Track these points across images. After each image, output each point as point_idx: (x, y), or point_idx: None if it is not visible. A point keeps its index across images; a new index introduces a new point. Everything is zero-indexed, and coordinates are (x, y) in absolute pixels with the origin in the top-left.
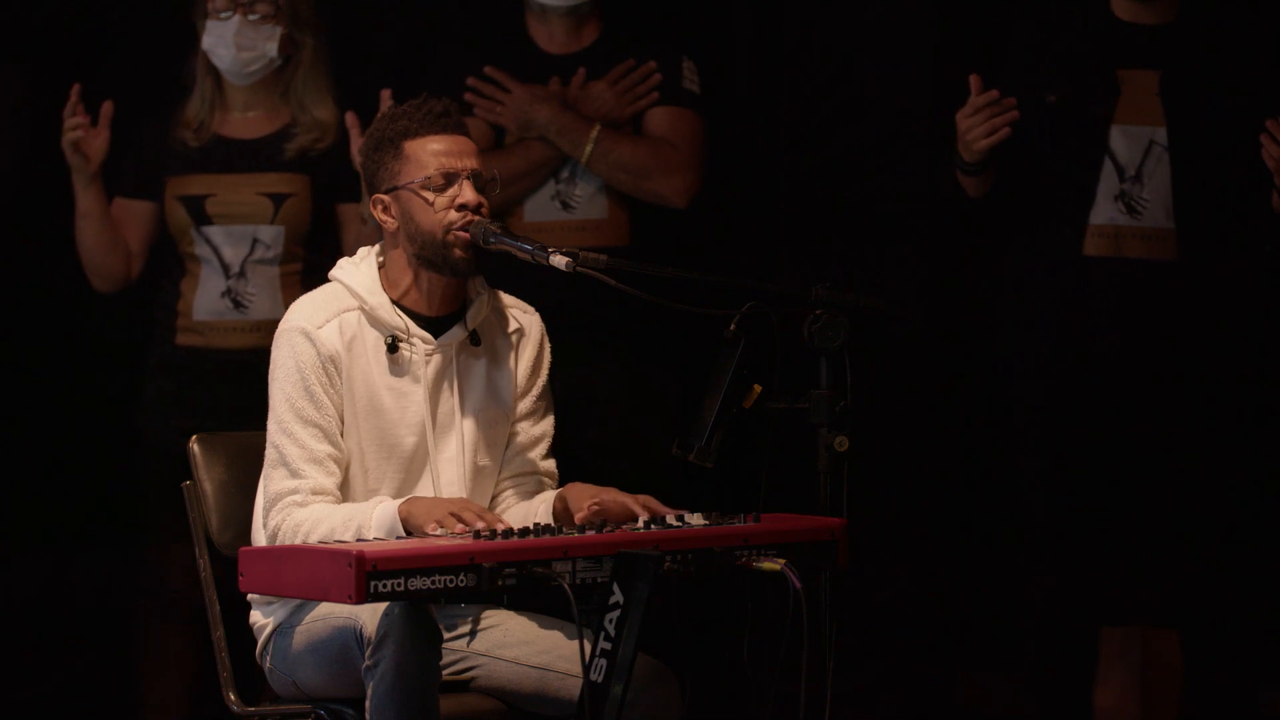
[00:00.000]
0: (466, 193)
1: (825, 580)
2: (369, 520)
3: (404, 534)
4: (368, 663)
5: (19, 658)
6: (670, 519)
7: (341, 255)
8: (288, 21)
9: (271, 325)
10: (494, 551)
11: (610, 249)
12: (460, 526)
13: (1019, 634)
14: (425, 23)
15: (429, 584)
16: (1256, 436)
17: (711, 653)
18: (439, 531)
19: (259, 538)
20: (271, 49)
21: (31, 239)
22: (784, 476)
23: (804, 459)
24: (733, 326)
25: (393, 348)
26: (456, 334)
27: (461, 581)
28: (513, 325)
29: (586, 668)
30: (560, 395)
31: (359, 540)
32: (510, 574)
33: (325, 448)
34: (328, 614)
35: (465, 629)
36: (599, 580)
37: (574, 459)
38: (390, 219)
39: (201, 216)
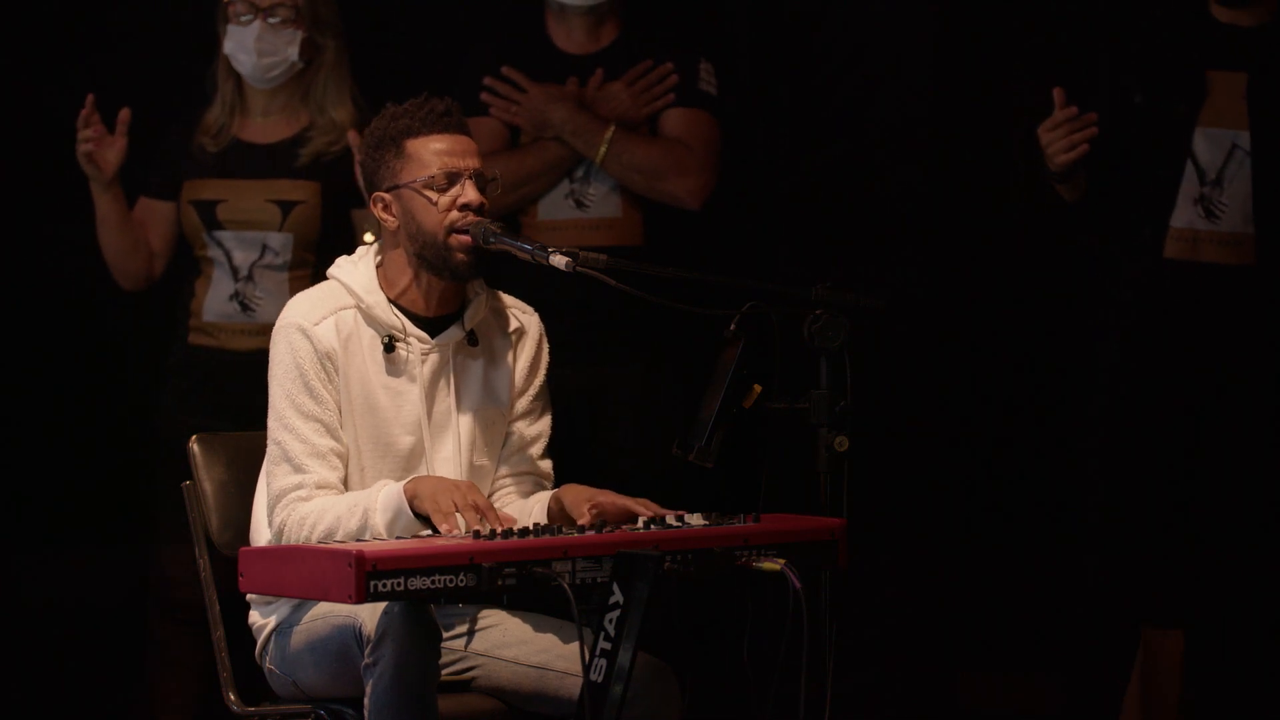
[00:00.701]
0: (469, 192)
1: (825, 580)
2: (374, 504)
3: (411, 514)
4: (367, 661)
5: (27, 656)
6: (670, 519)
7: None
8: (308, 25)
9: None
10: (494, 551)
11: (624, 248)
12: (472, 516)
13: (1014, 634)
14: (445, 24)
15: (429, 584)
16: None
17: (711, 653)
18: (450, 530)
19: (262, 535)
20: (293, 53)
21: (57, 237)
22: (784, 476)
23: (804, 459)
24: (733, 326)
25: (389, 347)
26: (453, 334)
27: (461, 581)
28: (512, 325)
29: (586, 668)
30: (571, 394)
31: (366, 526)
32: (510, 574)
33: (327, 442)
34: (327, 613)
35: (464, 628)
36: (599, 580)
37: (584, 459)
38: (391, 217)
39: (213, 222)
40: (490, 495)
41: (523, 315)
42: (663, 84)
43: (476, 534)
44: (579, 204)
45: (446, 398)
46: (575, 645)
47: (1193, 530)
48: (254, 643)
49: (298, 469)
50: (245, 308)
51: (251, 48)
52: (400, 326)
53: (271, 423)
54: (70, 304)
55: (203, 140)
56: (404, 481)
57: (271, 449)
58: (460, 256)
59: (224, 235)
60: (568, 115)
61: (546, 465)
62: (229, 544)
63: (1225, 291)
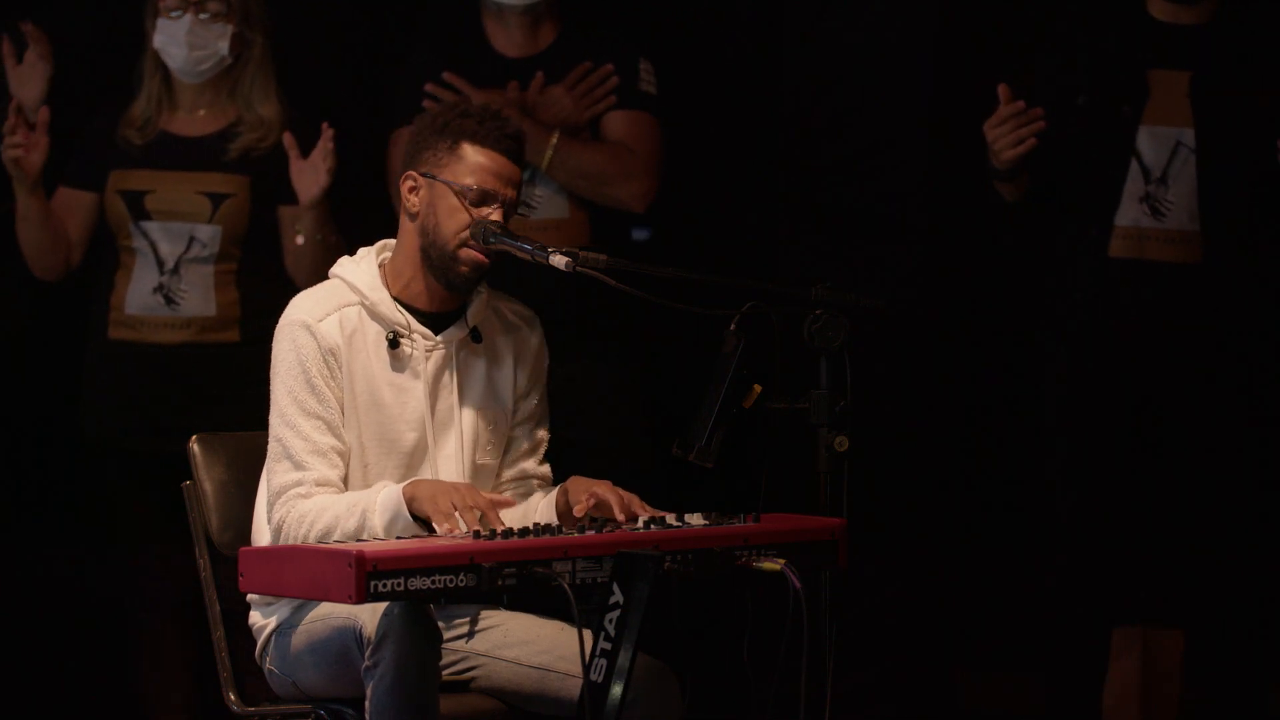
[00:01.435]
0: (493, 216)
1: (825, 580)
2: (373, 505)
3: (409, 516)
4: (367, 663)
5: (19, 658)
6: (670, 520)
7: (281, 257)
8: (239, 20)
9: (203, 322)
10: (494, 551)
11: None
12: (471, 517)
13: (1031, 633)
14: (375, 23)
15: (429, 584)
16: (1274, 439)
17: (711, 653)
18: (450, 530)
19: (262, 532)
20: (223, 47)
21: None
22: (784, 476)
23: (804, 459)
24: (733, 326)
25: (394, 343)
26: (457, 331)
27: (461, 581)
28: (512, 326)
29: (586, 668)
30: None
31: (364, 527)
32: (510, 574)
33: (329, 440)
34: (327, 614)
35: (464, 629)
36: (599, 580)
37: (552, 456)
38: (416, 200)
39: (140, 212)
40: None
41: (524, 317)
42: (603, 86)
43: (476, 534)
44: (526, 205)
45: (450, 394)
46: (576, 646)
47: (1155, 528)
48: (254, 643)
49: (298, 466)
50: (170, 301)
51: (183, 41)
52: (404, 322)
53: (273, 419)
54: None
55: (128, 133)
56: (403, 483)
57: (273, 446)
58: (463, 270)
59: (151, 226)
60: None
61: (545, 470)
62: (229, 544)
63: (1172, 289)
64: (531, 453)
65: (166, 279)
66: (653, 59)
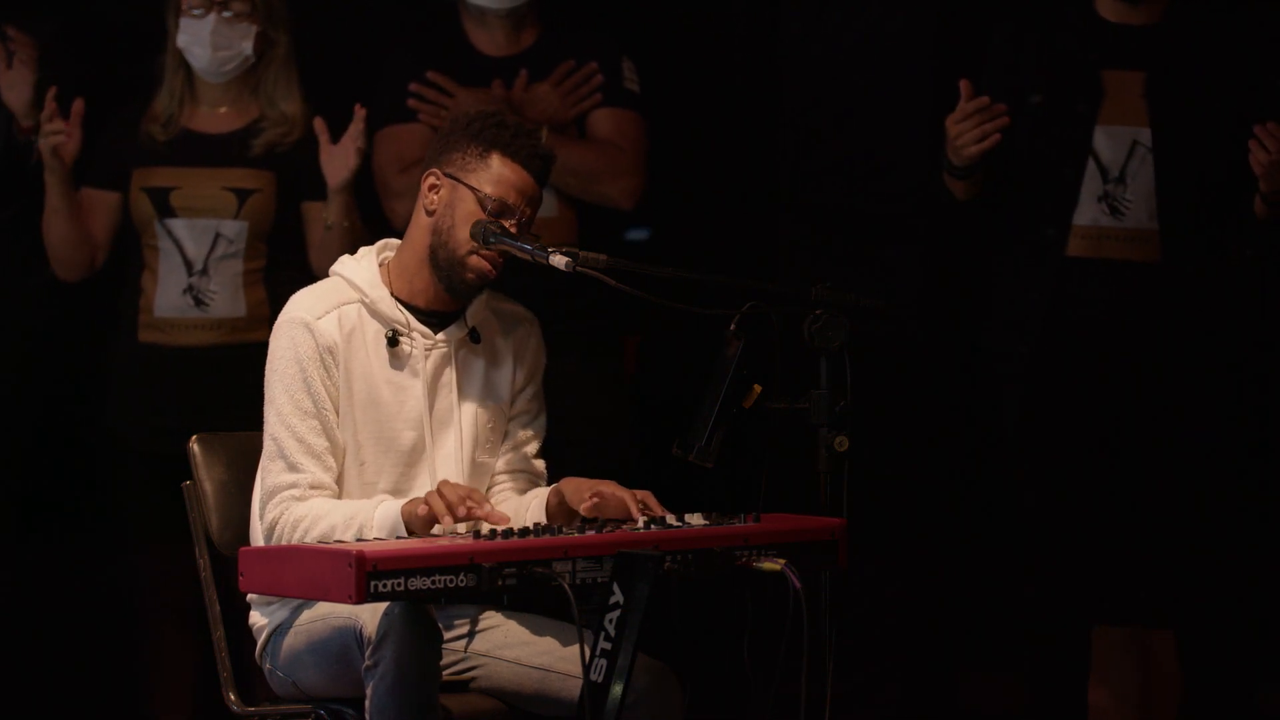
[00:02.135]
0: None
1: (825, 580)
2: (371, 520)
3: (405, 534)
4: (368, 663)
5: (22, 658)
6: (670, 519)
7: (306, 254)
8: (262, 19)
9: (233, 323)
10: (494, 551)
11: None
12: (458, 499)
13: (1014, 634)
14: (376, 25)
15: (429, 584)
16: (1239, 437)
17: (711, 653)
18: (437, 530)
19: (256, 531)
20: (247, 47)
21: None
22: (784, 476)
23: (804, 459)
24: (733, 326)
25: (393, 341)
26: (457, 330)
27: (461, 581)
28: (511, 327)
29: (586, 668)
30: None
31: (359, 539)
32: (510, 574)
33: (323, 441)
34: (328, 614)
35: (465, 629)
36: (599, 580)
37: (551, 455)
38: (435, 199)
39: (166, 209)
40: (487, 492)
41: (522, 317)
42: (589, 84)
43: (477, 534)
44: None
45: (449, 393)
46: (576, 647)
47: (1125, 527)
48: (254, 643)
49: (292, 467)
50: (199, 302)
51: (207, 41)
52: (404, 321)
53: (269, 418)
54: (23, 294)
55: (151, 129)
56: (403, 501)
57: (267, 445)
58: (469, 277)
59: (176, 224)
60: None
61: (540, 465)
62: (229, 544)
63: (1131, 287)
64: (525, 445)
65: (195, 280)
66: (650, 59)
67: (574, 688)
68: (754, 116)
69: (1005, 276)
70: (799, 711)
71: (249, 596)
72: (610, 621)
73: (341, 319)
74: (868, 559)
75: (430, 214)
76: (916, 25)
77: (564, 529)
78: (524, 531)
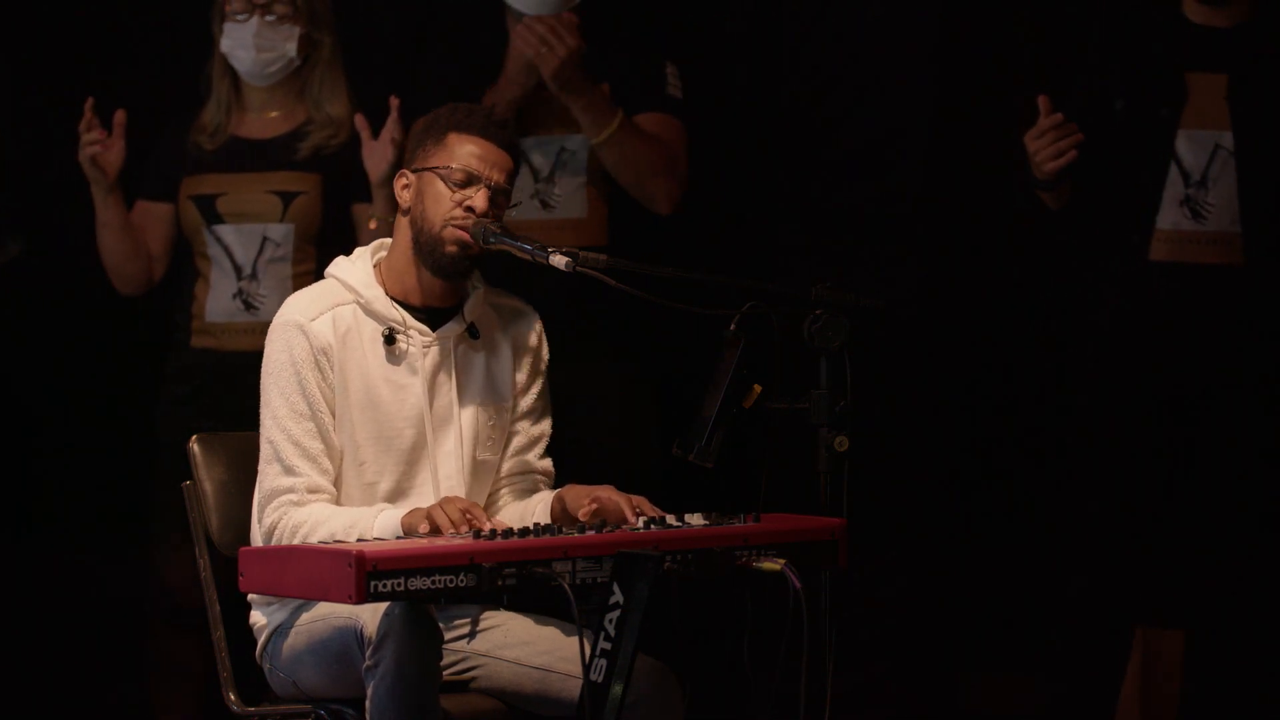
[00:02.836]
0: (478, 199)
1: (825, 580)
2: (370, 529)
3: None
4: (368, 663)
5: (27, 657)
6: (670, 520)
7: None
8: (305, 21)
9: None
10: (494, 551)
11: (589, 248)
12: (460, 517)
13: (1014, 634)
14: (420, 28)
15: (429, 584)
16: None
17: (711, 653)
18: (425, 530)
19: (256, 535)
20: (291, 49)
21: (57, 243)
22: (784, 476)
23: (804, 459)
24: (733, 326)
25: (390, 339)
26: (454, 326)
27: (461, 581)
28: (510, 321)
29: (586, 668)
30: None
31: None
32: (510, 574)
33: (319, 444)
34: (328, 614)
35: (465, 629)
36: (599, 580)
37: (555, 456)
38: (407, 196)
39: (213, 215)
40: (491, 493)
41: (522, 313)
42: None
43: (477, 534)
44: (544, 205)
45: (449, 391)
46: (576, 647)
47: (1185, 531)
48: (254, 643)
49: (289, 471)
50: (249, 306)
51: (250, 44)
52: (400, 319)
53: (265, 421)
54: (68, 305)
55: (199, 139)
56: (403, 511)
57: (264, 448)
58: (451, 249)
59: (224, 230)
60: (588, 87)
61: (547, 464)
62: (229, 544)
63: (1214, 292)
64: (532, 447)
65: (245, 284)
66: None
67: (574, 688)
68: (755, 115)
69: (1087, 280)
70: (799, 711)
71: (249, 596)
72: (610, 621)
73: (336, 320)
74: (867, 559)
75: (406, 212)
76: (917, 25)
77: (564, 529)
78: (524, 531)
